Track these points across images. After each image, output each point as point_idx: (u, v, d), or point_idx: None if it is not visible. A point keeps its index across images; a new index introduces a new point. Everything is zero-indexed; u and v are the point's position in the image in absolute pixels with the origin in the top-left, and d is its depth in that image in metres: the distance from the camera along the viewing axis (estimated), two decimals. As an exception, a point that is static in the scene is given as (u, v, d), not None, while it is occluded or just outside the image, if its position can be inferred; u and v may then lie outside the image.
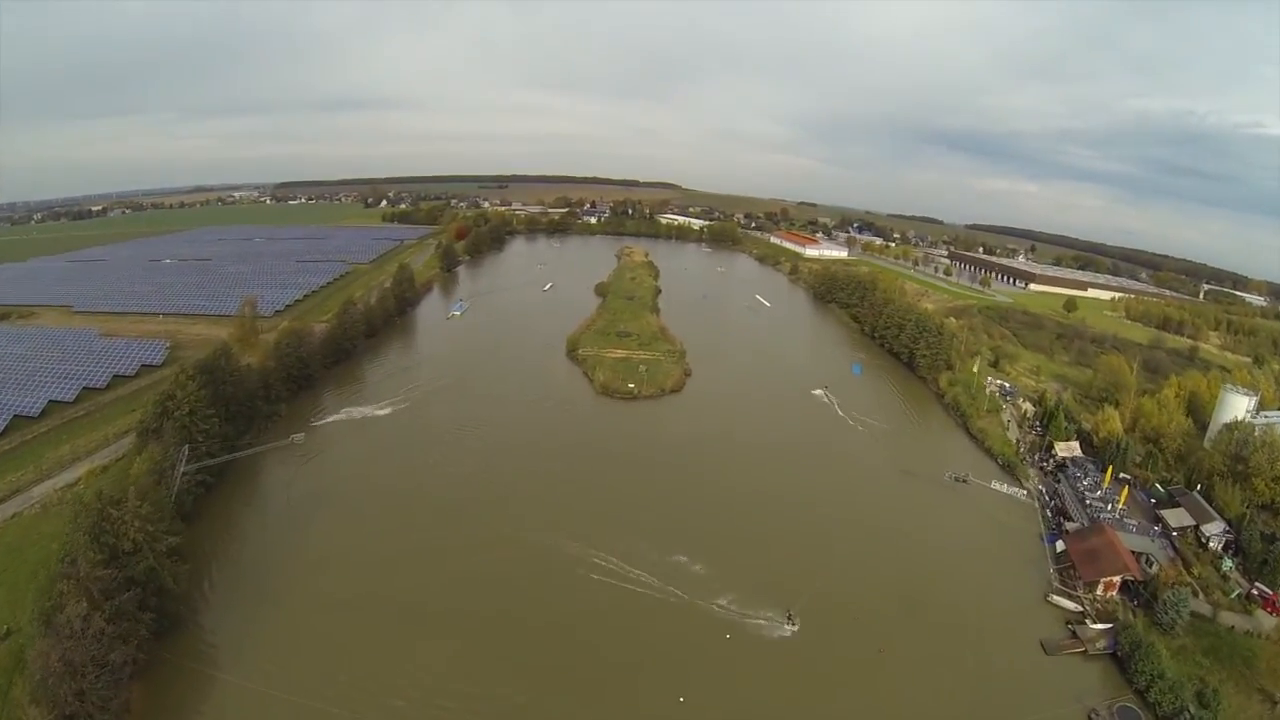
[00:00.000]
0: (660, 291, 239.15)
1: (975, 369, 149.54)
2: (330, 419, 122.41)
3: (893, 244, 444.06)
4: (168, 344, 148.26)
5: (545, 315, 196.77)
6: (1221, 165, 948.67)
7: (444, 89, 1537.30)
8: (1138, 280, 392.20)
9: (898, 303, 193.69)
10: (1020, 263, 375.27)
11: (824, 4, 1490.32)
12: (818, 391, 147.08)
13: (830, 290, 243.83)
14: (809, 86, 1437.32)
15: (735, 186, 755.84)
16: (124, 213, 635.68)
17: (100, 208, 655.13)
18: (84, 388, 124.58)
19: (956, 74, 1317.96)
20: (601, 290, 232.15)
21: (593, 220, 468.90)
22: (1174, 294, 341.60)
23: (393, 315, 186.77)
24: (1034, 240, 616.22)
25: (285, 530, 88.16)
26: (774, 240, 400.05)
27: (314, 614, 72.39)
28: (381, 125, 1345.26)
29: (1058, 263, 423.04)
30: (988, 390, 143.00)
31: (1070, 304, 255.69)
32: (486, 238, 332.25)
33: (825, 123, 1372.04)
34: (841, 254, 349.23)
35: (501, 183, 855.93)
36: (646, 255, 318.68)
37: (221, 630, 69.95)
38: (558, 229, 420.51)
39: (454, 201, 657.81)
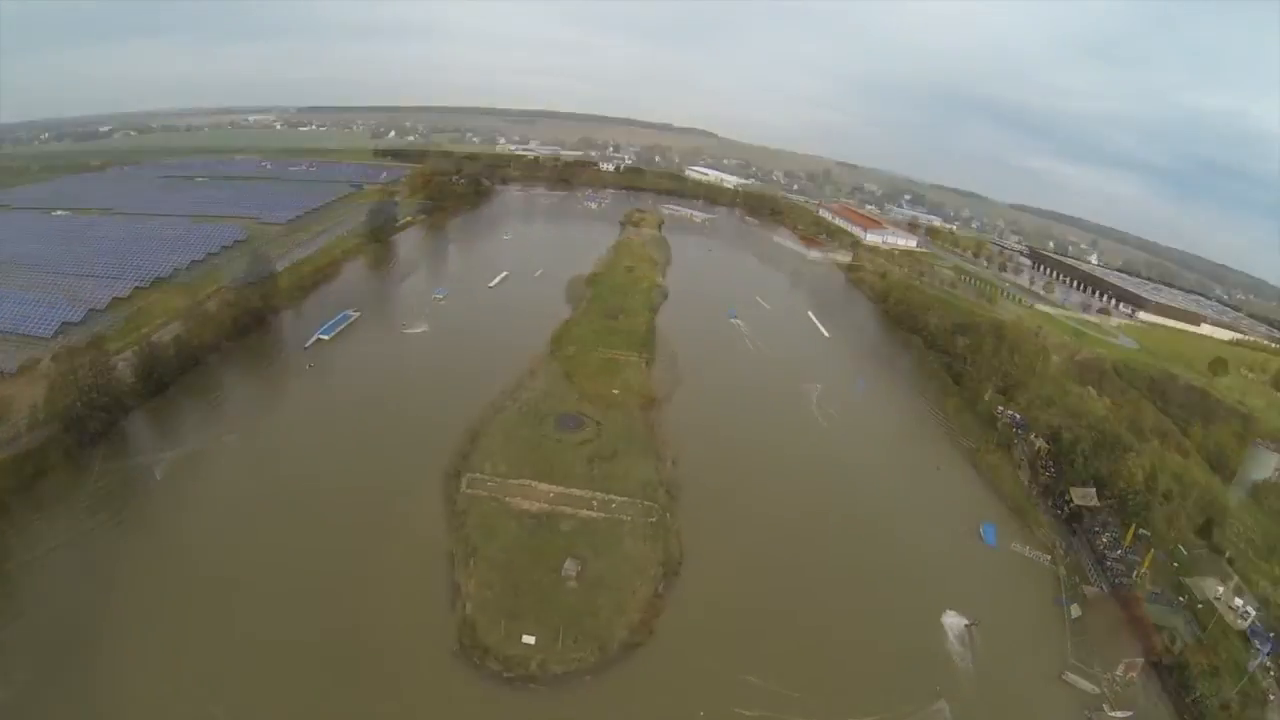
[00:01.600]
0: (666, 297, 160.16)
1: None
2: None
3: (954, 227, 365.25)
4: None
5: (462, 352, 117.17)
6: (1272, 171, 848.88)
7: (479, 20, 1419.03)
8: (1210, 298, 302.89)
9: (1044, 373, 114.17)
10: (1119, 278, 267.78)
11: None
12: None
13: (910, 312, 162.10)
14: (855, 42, 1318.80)
15: (773, 139, 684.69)
16: (129, 134, 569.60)
17: (107, 129, 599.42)
18: None
19: (1007, 44, 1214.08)
20: (576, 293, 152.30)
21: (609, 169, 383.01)
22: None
23: (220, 346, 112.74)
24: (1080, 228, 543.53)
25: None
26: (823, 214, 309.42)
27: None
28: (413, 54, 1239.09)
29: (1135, 271, 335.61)
30: None
31: (1218, 365, 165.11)
32: (456, 191, 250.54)
33: (868, 81, 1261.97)
34: (910, 244, 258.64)
35: (529, 118, 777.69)
36: (660, 227, 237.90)
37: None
38: (562, 179, 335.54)
39: (468, 135, 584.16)
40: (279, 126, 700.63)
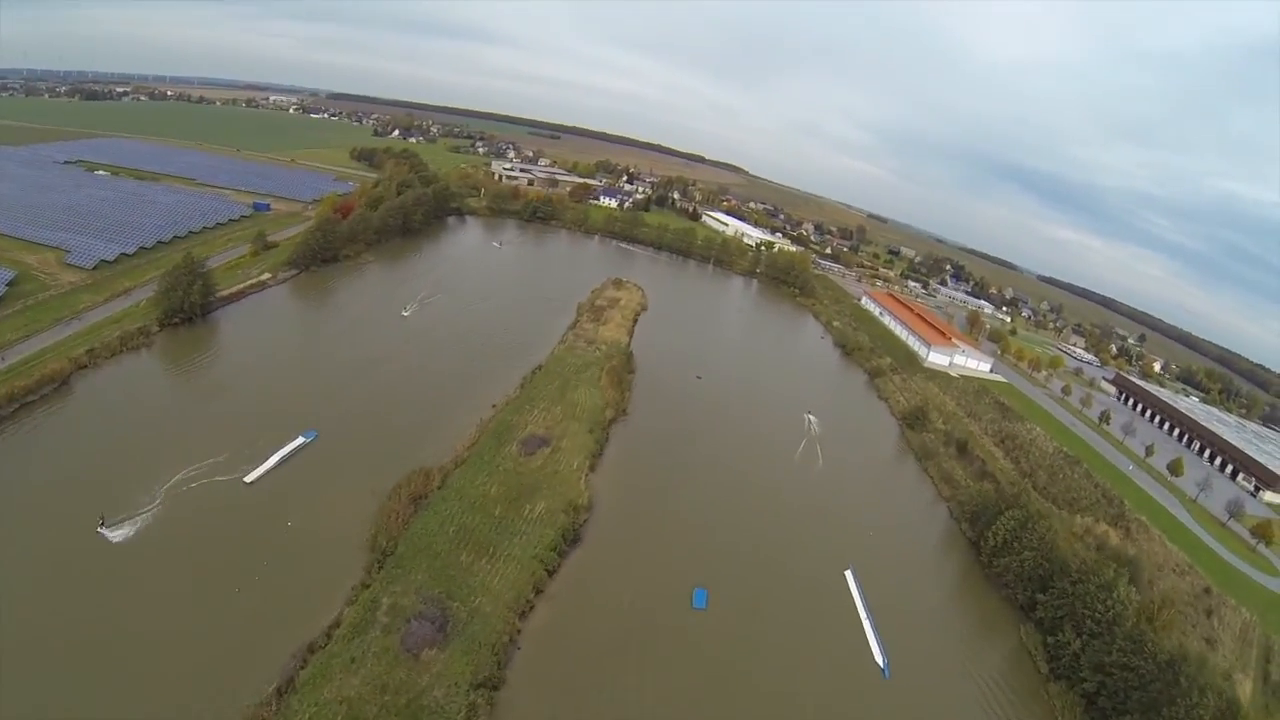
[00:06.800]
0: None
1: None
2: None
3: (1008, 318, 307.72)
4: None
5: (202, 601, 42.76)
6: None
7: (531, 29, 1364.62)
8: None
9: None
10: (1225, 426, 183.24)
11: (926, 15, 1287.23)
12: None
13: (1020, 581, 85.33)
14: (895, 95, 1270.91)
15: (804, 183, 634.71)
16: (139, 99, 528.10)
17: (123, 90, 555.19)
18: None
19: (1047, 115, 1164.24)
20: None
21: (610, 203, 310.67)
22: None
23: None
24: (1113, 310, 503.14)
25: None
26: (865, 302, 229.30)
27: None
28: (452, 52, 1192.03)
29: (1198, 380, 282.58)
30: None
31: None
32: (366, 233, 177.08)
33: (904, 135, 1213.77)
34: (984, 368, 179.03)
35: (555, 133, 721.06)
36: (635, 319, 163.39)
37: None
38: (537, 217, 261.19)
39: (476, 144, 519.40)
40: (292, 111, 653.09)
